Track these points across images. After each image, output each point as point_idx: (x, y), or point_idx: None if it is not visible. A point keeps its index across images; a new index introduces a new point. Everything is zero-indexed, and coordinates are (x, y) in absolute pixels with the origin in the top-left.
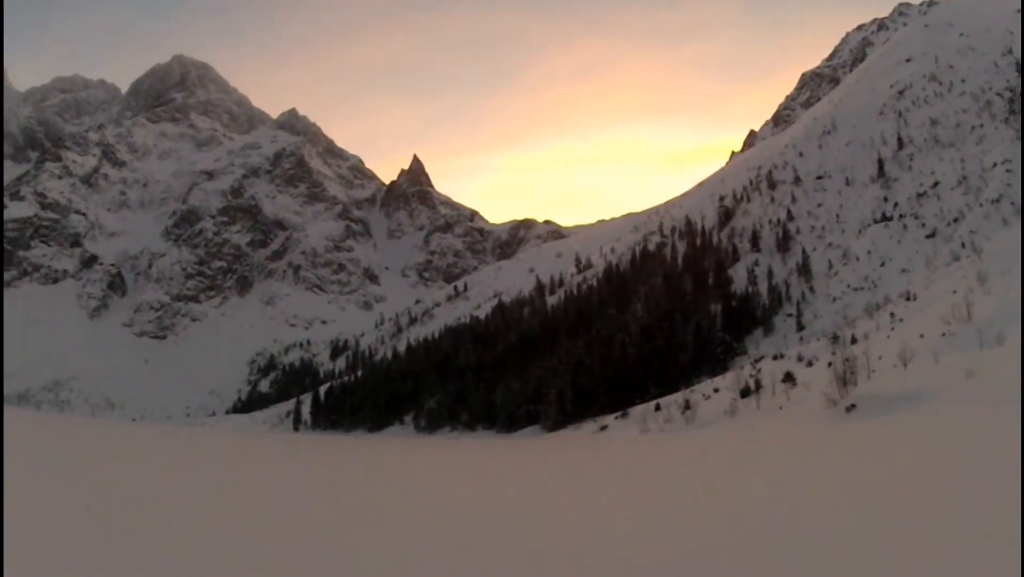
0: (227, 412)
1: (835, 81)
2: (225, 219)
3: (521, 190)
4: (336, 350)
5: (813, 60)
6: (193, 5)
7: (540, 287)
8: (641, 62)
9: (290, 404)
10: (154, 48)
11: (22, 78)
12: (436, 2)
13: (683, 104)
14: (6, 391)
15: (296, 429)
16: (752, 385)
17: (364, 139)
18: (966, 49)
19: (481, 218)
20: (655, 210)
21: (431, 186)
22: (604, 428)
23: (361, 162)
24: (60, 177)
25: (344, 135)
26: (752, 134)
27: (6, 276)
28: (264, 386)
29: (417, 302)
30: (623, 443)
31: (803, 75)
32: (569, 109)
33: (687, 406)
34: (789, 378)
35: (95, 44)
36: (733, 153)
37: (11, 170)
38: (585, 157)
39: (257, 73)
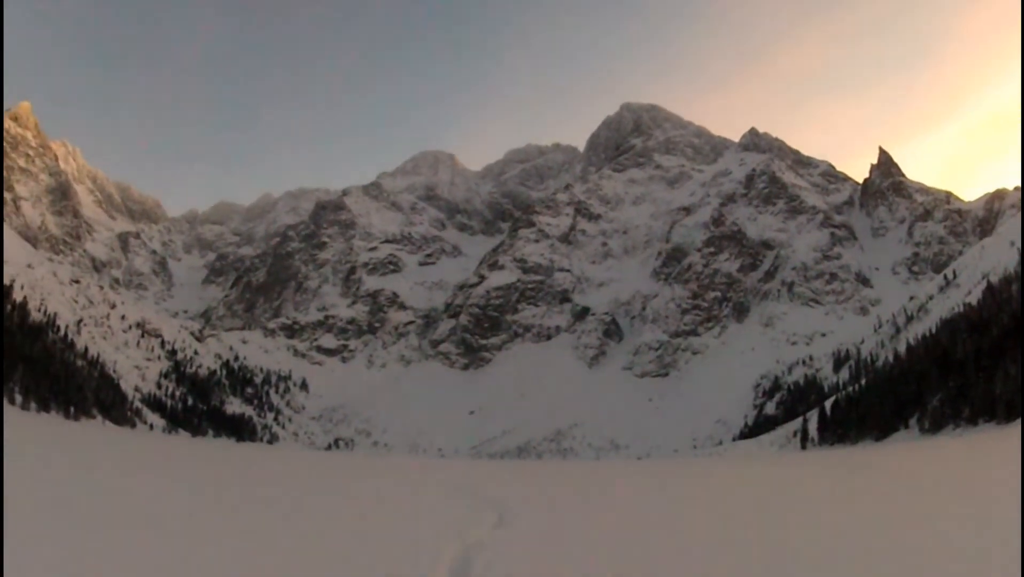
0: (733, 439)
1: None
2: (712, 249)
3: (977, 159)
4: (838, 361)
5: None
6: (627, 56)
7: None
8: None
9: (796, 423)
10: (596, 102)
11: (473, 160)
12: None
13: None
14: (507, 445)
15: (804, 447)
16: None
17: (823, 142)
18: None
19: (956, 198)
20: None
21: (903, 175)
22: None
23: (831, 166)
24: (536, 241)
25: (805, 143)
26: None
27: (497, 340)
28: (770, 408)
29: (911, 298)
30: None
31: None
32: (991, 65)
33: None
34: None
35: (537, 114)
36: None
37: (483, 243)
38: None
39: (703, 102)
